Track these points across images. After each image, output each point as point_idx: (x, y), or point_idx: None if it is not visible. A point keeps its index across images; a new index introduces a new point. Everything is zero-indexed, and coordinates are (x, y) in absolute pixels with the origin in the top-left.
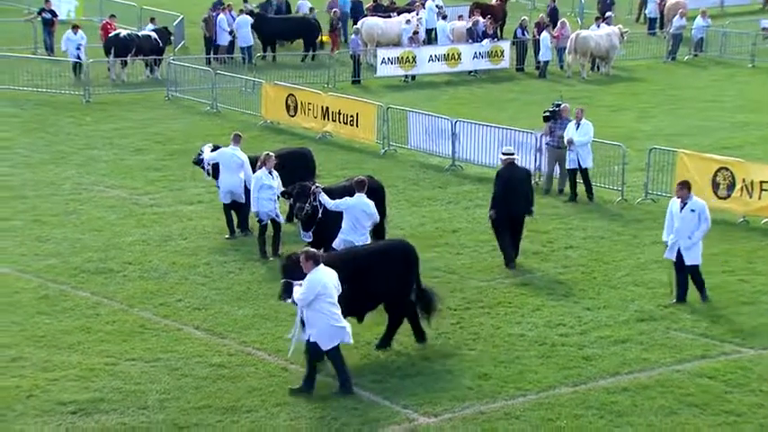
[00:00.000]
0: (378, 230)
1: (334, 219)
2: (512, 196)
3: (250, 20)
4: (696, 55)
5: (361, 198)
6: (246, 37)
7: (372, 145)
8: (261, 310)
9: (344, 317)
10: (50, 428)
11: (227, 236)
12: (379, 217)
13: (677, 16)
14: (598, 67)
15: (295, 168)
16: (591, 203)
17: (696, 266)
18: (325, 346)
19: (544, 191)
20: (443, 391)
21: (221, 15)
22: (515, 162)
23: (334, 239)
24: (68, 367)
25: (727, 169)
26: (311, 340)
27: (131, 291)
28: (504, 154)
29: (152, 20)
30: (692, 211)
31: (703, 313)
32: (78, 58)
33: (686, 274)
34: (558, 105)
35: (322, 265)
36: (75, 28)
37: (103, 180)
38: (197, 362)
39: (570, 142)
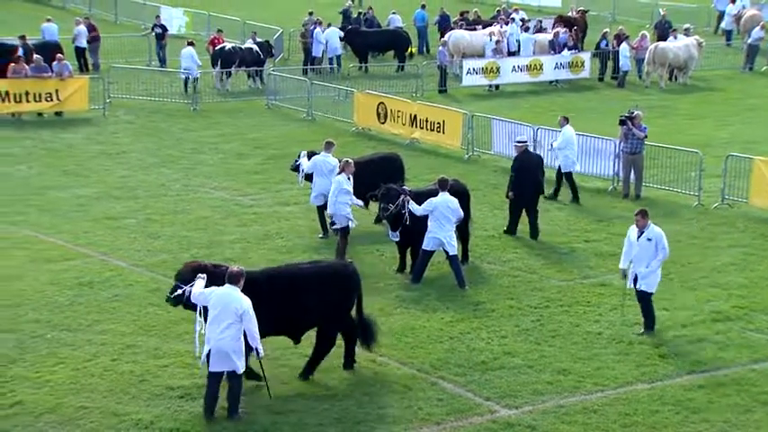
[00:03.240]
0: (463, 232)
1: (421, 218)
2: (525, 179)
3: (339, 32)
4: None
5: (444, 196)
6: (335, 47)
7: (457, 150)
8: None
9: (272, 334)
10: (160, 410)
11: (320, 235)
12: (462, 213)
13: (757, 28)
14: (676, 78)
15: (385, 172)
16: (667, 207)
17: (649, 294)
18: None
19: (623, 195)
20: (524, 385)
21: (317, 29)
22: (528, 149)
23: (422, 238)
24: (176, 355)
25: None
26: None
27: None
28: (518, 142)
29: (254, 33)
30: (649, 240)
31: None
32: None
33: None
34: (632, 113)
35: (228, 286)
36: (191, 44)
37: (208, 182)
38: (293, 352)
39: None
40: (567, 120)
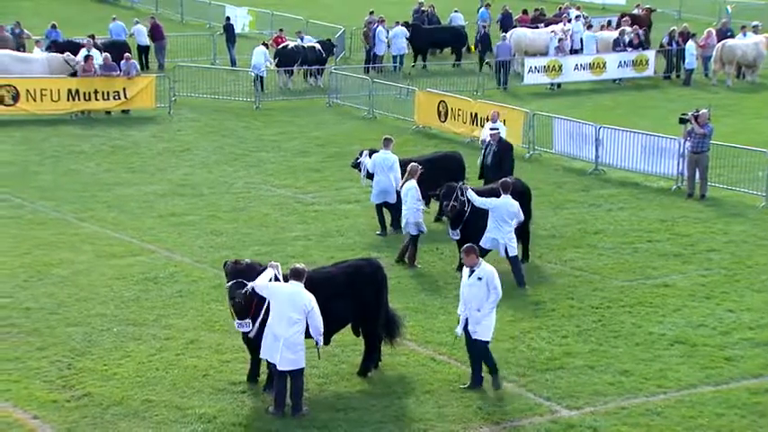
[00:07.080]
0: (523, 231)
1: (480, 218)
2: (503, 163)
3: (405, 31)
4: None
5: (507, 199)
6: (400, 46)
7: (518, 149)
8: (411, 303)
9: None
10: (223, 405)
11: (378, 232)
12: (522, 216)
13: None
14: (743, 75)
15: (446, 171)
16: (733, 207)
17: (484, 343)
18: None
19: (687, 195)
20: (585, 386)
21: (379, 27)
22: (501, 136)
23: (480, 238)
24: (239, 351)
25: None
26: None
27: None
28: (492, 129)
29: (299, 33)
30: (479, 279)
31: None
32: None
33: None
34: (698, 111)
35: (294, 283)
36: (264, 44)
37: (270, 180)
38: (352, 350)
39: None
40: (498, 114)
